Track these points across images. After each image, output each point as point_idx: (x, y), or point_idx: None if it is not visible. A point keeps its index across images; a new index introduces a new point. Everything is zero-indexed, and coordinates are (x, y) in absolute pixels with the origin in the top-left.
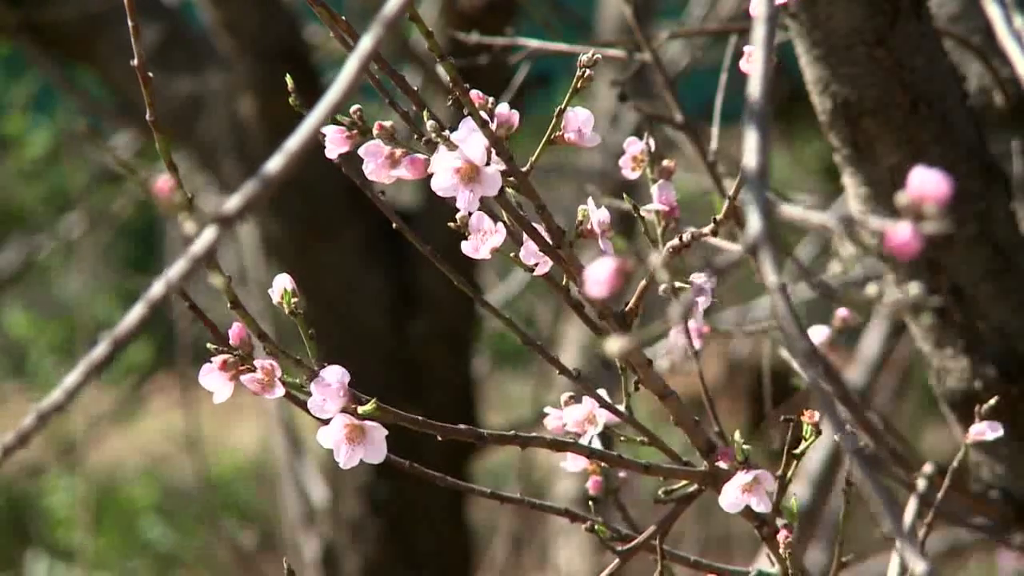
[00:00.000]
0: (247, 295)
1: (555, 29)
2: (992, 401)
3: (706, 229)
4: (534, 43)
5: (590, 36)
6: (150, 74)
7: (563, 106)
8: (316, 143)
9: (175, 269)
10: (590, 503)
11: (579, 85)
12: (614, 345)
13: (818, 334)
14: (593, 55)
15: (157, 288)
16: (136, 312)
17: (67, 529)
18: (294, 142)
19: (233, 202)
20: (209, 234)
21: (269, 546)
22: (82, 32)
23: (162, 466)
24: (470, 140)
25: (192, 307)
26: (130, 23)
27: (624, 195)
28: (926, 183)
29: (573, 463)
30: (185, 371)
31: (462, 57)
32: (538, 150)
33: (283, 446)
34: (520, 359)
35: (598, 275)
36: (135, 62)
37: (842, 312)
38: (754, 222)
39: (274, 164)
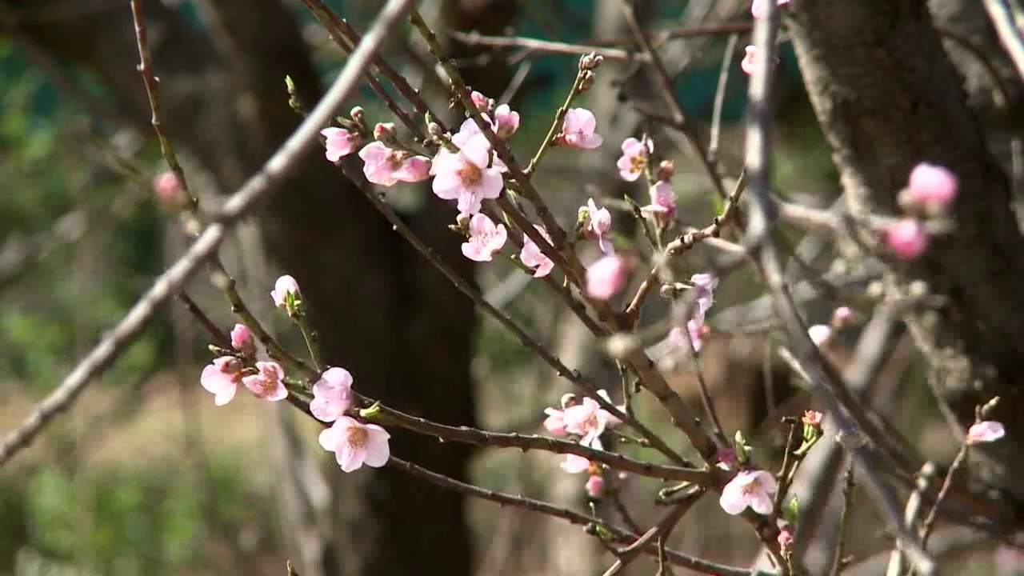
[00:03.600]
0: (247, 296)
1: (555, 29)
2: (992, 402)
3: (708, 230)
4: (534, 43)
5: (590, 36)
6: (157, 79)
7: (564, 108)
8: (317, 144)
9: (177, 269)
10: (591, 504)
11: (580, 87)
12: (617, 345)
13: (818, 334)
14: (594, 57)
15: (159, 288)
16: (138, 312)
17: (61, 529)
18: (296, 142)
19: (235, 201)
20: (212, 234)
21: (269, 546)
22: (82, 32)
23: (161, 467)
24: (472, 142)
25: (193, 309)
26: (137, 28)
27: (625, 196)
28: (930, 182)
29: (573, 464)
30: (185, 371)
31: (462, 57)
32: (539, 152)
33: (283, 446)
34: (520, 359)
35: (602, 274)
36: (142, 67)
37: (842, 312)
38: (757, 222)
39: (277, 164)
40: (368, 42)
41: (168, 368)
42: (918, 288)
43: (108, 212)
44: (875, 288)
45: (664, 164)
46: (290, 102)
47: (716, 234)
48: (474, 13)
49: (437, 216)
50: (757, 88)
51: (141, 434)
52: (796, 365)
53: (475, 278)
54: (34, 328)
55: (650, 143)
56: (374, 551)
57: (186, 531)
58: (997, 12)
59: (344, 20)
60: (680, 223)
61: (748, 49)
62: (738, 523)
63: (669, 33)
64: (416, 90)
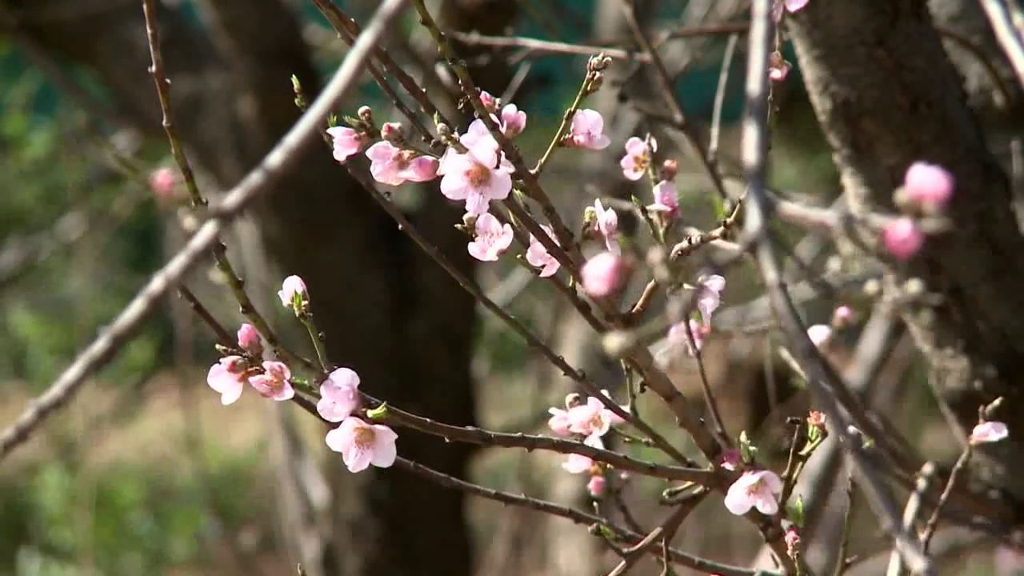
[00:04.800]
0: (247, 295)
1: (555, 29)
2: (996, 402)
3: (715, 232)
4: (534, 43)
5: (590, 36)
6: (168, 80)
7: (572, 108)
8: (316, 141)
9: (175, 264)
10: (594, 504)
11: (589, 88)
12: (614, 342)
13: (818, 334)
14: (603, 58)
15: (157, 283)
16: (136, 307)
17: (61, 527)
18: (294, 138)
19: (233, 197)
20: (209, 229)
21: (269, 546)
22: (82, 32)
23: (162, 466)
24: (480, 143)
25: (197, 308)
26: (148, 31)
27: (631, 196)
28: (925, 181)
29: (575, 464)
30: (185, 371)
31: (462, 57)
32: (547, 152)
33: (283, 446)
34: (520, 360)
35: (597, 271)
36: (153, 69)
37: (842, 312)
38: (753, 219)
39: (275, 159)
40: (366, 38)
41: (168, 368)
42: (915, 286)
43: (108, 212)
44: (872, 285)
45: (667, 163)
46: (296, 100)
47: (724, 236)
48: (473, 12)
49: (437, 216)
50: (754, 84)
51: (141, 434)
52: (796, 365)
53: (476, 278)
54: (39, 327)
55: (653, 142)
56: (374, 551)
57: (196, 525)
58: (994, 11)
59: (352, 20)
60: (681, 223)
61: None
62: (738, 523)
63: (669, 33)
64: (423, 90)
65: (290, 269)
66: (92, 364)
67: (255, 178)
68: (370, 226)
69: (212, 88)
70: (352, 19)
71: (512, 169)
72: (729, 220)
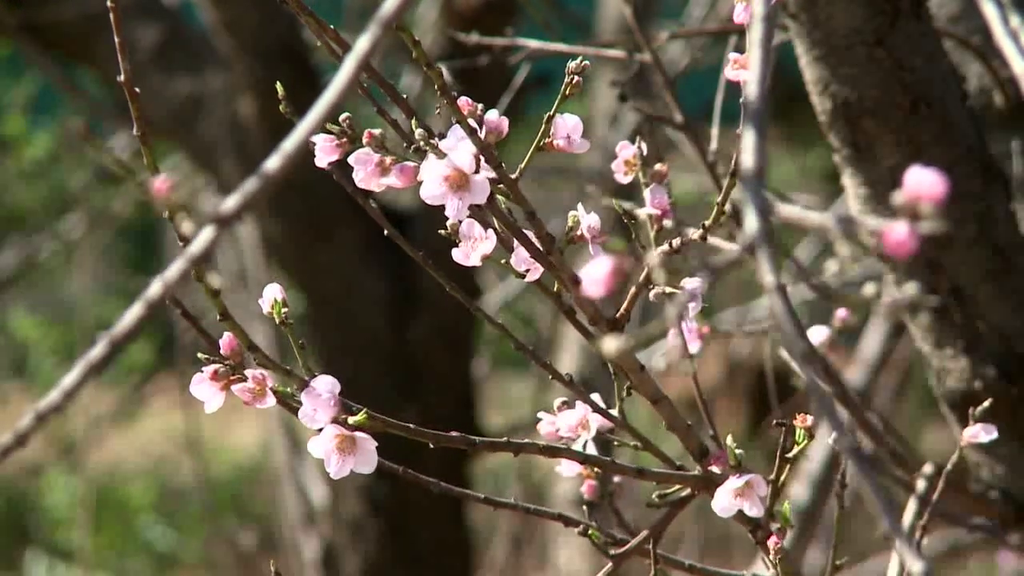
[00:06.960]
0: (248, 296)
1: (555, 29)
2: (986, 403)
3: (695, 234)
4: (534, 43)
5: (590, 36)
6: (137, 89)
7: (552, 112)
8: (312, 145)
9: (172, 269)
10: (584, 507)
11: (568, 92)
12: (610, 345)
13: (818, 334)
14: (581, 62)
15: (154, 288)
16: (134, 312)
17: (66, 529)
18: (291, 143)
19: (231, 202)
20: (207, 234)
21: (269, 546)
22: (82, 32)
23: (162, 466)
24: (458, 148)
25: (184, 314)
26: (116, 39)
27: (616, 200)
28: (922, 182)
29: (568, 468)
30: (185, 372)
31: (462, 57)
32: (527, 156)
33: (283, 446)
34: (520, 360)
35: (596, 274)
36: (122, 78)
37: (841, 313)
38: (752, 222)
39: (272, 164)
40: (363, 43)
41: (168, 369)
42: (912, 288)
43: (108, 212)
44: (870, 288)
45: (658, 166)
46: (280, 107)
47: (704, 238)
48: (468, 13)
49: (438, 217)
50: (752, 88)
51: (142, 434)
52: (795, 365)
53: (474, 279)
54: (38, 328)
55: (643, 145)
56: (374, 551)
57: (202, 530)
58: (990, 12)
59: (332, 27)
60: (681, 224)
61: (731, 56)
62: (737, 525)
63: (669, 33)
64: (404, 96)
65: (290, 269)
66: (90, 369)
67: (252, 184)
68: (370, 226)
69: (212, 88)
70: (342, 20)
71: (492, 174)
72: (708, 223)
